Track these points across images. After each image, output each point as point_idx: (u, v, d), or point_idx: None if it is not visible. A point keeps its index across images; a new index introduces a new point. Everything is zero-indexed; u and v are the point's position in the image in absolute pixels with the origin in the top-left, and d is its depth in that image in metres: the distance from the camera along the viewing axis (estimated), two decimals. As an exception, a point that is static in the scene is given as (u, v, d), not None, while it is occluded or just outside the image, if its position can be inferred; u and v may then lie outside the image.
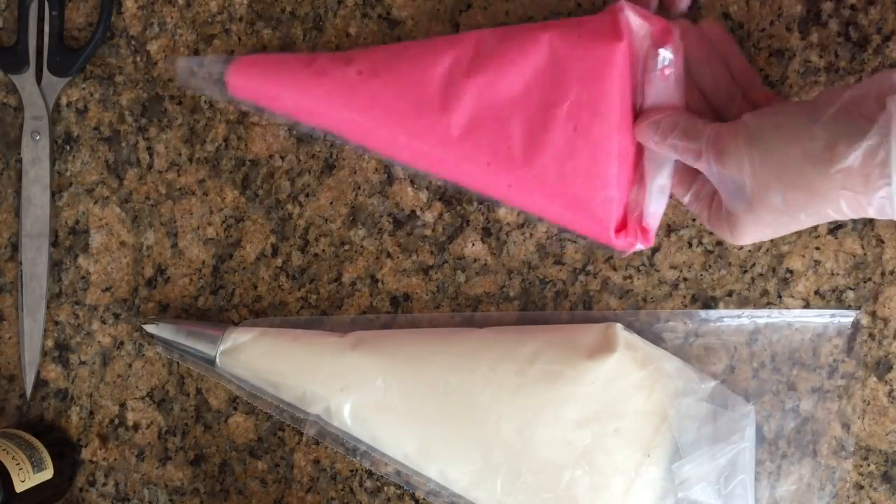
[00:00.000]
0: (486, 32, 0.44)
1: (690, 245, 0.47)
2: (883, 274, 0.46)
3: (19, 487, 0.46)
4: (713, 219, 0.42)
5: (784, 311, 0.47)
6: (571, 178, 0.43)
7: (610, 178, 0.42)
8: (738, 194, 0.38)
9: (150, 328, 0.49)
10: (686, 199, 0.44)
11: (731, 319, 0.47)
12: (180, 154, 0.51)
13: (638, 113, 0.43)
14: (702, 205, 0.43)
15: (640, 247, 0.44)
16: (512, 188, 0.44)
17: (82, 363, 0.52)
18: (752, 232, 0.40)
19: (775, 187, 0.37)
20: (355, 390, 0.46)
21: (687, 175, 0.43)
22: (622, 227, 0.44)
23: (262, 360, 0.48)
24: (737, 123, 0.38)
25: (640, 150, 0.43)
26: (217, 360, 0.48)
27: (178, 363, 0.51)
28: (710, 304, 0.47)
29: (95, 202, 0.51)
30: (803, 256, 0.46)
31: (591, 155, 0.42)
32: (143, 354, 0.51)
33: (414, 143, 0.44)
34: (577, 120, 0.42)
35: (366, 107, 0.44)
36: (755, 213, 0.38)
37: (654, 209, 0.43)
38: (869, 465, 0.47)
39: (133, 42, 0.51)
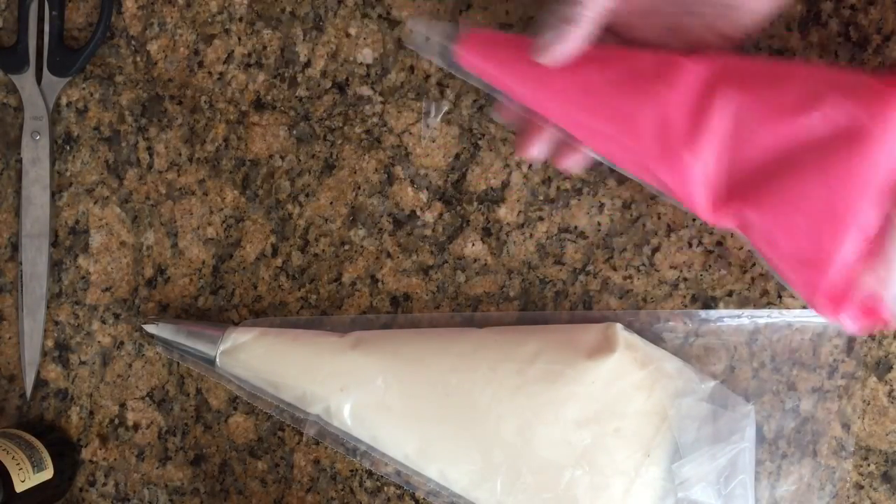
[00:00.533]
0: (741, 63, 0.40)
1: (690, 245, 0.47)
2: (883, 274, 0.46)
3: (19, 487, 0.46)
4: None
5: (784, 312, 0.47)
6: (799, 230, 0.39)
7: (843, 243, 0.38)
8: None
9: (150, 328, 0.49)
10: None
11: (730, 319, 0.47)
12: (180, 154, 0.51)
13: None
14: None
15: (868, 327, 0.41)
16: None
17: (82, 363, 0.52)
18: None
19: None
20: (355, 390, 0.46)
21: None
22: (840, 300, 0.40)
23: (262, 360, 0.48)
24: None
25: (885, 226, 0.38)
26: (217, 360, 0.48)
27: (178, 363, 0.51)
28: (710, 304, 0.47)
29: (95, 202, 0.51)
30: (803, 256, 0.46)
31: (827, 213, 0.38)
32: (143, 354, 0.51)
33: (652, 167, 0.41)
34: (828, 173, 0.38)
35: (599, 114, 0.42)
36: None
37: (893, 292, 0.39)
38: (869, 465, 0.47)
39: (133, 42, 0.51)
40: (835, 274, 0.39)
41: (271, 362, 0.48)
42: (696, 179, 0.40)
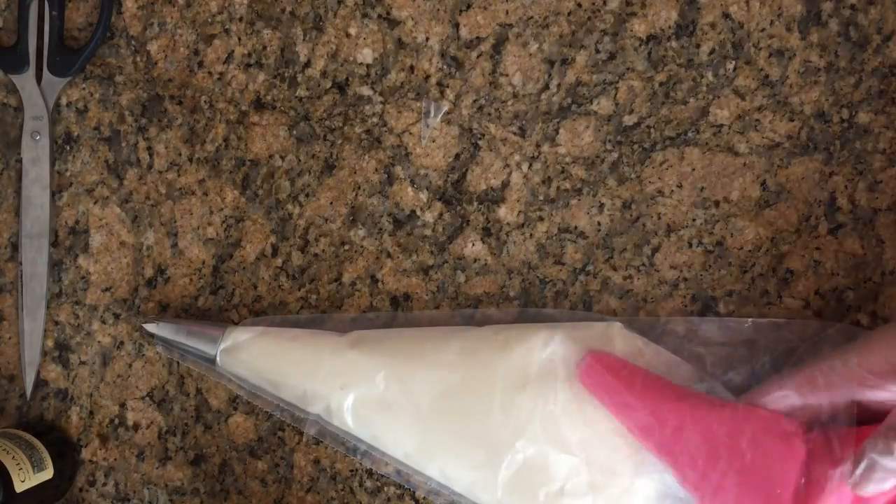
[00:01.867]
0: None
1: (690, 245, 0.47)
2: (883, 274, 0.46)
3: (19, 487, 0.46)
4: None
5: (784, 312, 0.47)
6: None
7: None
8: None
9: (150, 327, 0.49)
10: None
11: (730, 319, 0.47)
12: (180, 154, 0.51)
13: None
14: None
15: None
16: None
17: (82, 363, 0.52)
18: None
19: None
20: (355, 388, 0.46)
21: None
22: None
23: (262, 359, 0.48)
24: None
25: None
26: (217, 359, 0.48)
27: (178, 363, 0.51)
28: (710, 304, 0.47)
29: (95, 202, 0.51)
30: (803, 256, 0.46)
31: None
32: (143, 354, 0.51)
33: None
34: None
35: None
36: None
37: None
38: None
39: (133, 42, 0.51)
40: None
41: (271, 361, 0.48)
42: None
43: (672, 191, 0.47)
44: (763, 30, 0.46)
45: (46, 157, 0.51)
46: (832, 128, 0.46)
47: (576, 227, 0.48)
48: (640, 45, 0.47)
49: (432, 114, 0.48)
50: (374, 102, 0.49)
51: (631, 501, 0.44)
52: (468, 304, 0.49)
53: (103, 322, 0.52)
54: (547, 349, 0.45)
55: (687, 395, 0.43)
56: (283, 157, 0.50)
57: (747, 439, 0.41)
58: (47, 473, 0.49)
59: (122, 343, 0.52)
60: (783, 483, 0.40)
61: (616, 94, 0.47)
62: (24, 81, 0.51)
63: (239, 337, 0.48)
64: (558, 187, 0.48)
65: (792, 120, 0.46)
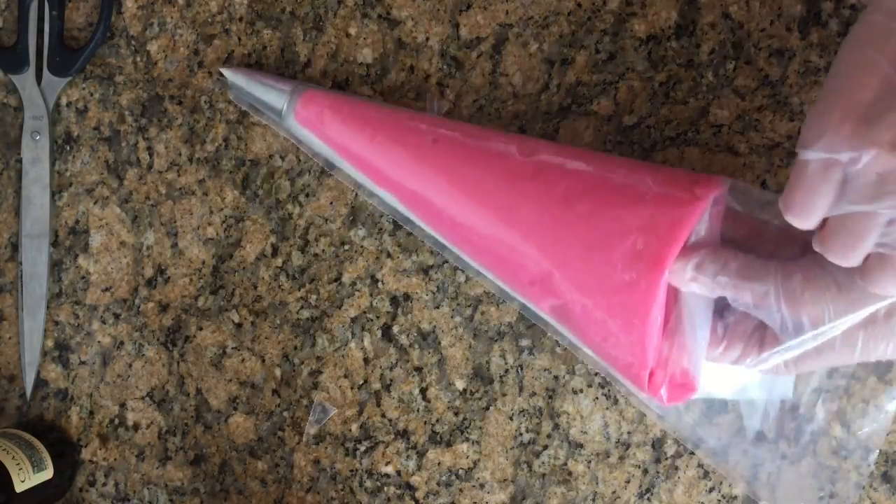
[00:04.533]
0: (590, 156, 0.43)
1: (690, 245, 0.47)
2: (883, 274, 0.46)
3: (19, 487, 0.46)
4: (766, 358, 0.39)
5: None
6: (615, 326, 0.41)
7: (650, 336, 0.40)
8: (801, 333, 0.37)
9: (225, 72, 0.49)
10: (724, 345, 0.40)
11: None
12: (180, 154, 0.51)
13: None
14: (752, 345, 0.40)
15: (686, 398, 0.42)
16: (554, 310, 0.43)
17: (82, 363, 0.52)
18: (814, 364, 0.38)
19: (858, 333, 0.36)
20: None
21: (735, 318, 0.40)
22: (657, 381, 0.42)
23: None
24: (814, 266, 0.36)
25: (669, 297, 0.40)
26: (284, 111, 0.48)
27: (178, 362, 0.51)
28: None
29: (95, 202, 0.51)
30: (803, 256, 0.46)
31: (636, 308, 0.40)
32: (143, 354, 0.51)
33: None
34: (634, 268, 0.39)
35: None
36: (820, 351, 0.37)
37: (696, 360, 0.40)
38: (869, 465, 0.47)
39: (133, 42, 0.51)
40: (651, 357, 0.40)
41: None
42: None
43: (672, 191, 0.47)
44: (763, 30, 0.46)
45: (46, 157, 0.51)
46: (832, 128, 0.46)
47: (576, 227, 0.48)
48: (640, 45, 0.47)
49: (434, 111, 0.48)
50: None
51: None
52: (468, 303, 0.49)
53: (103, 322, 0.52)
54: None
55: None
56: (283, 157, 0.50)
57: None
58: (47, 473, 0.49)
59: (122, 343, 0.52)
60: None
61: (616, 94, 0.47)
62: (24, 81, 0.51)
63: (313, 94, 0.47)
64: (558, 187, 0.48)
65: (792, 120, 0.46)
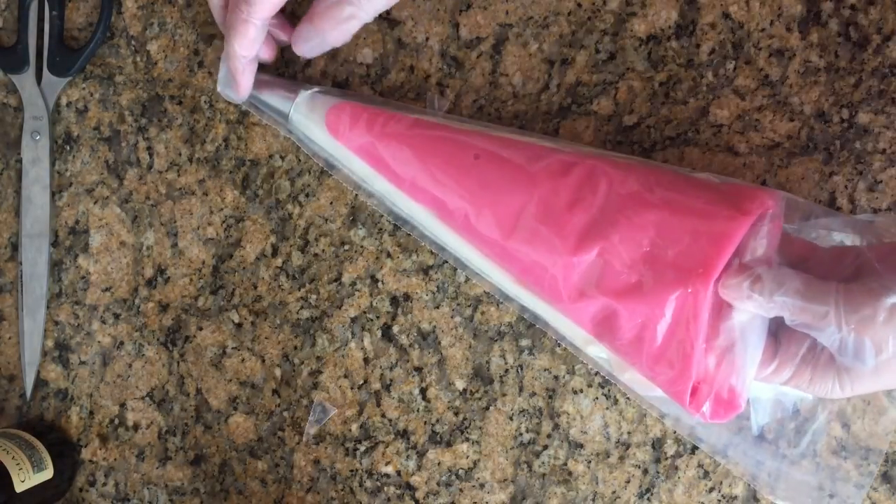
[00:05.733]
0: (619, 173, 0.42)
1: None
2: (883, 274, 0.46)
3: (19, 487, 0.46)
4: (818, 378, 0.39)
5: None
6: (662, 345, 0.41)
7: (695, 348, 0.40)
8: (861, 354, 0.36)
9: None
10: (775, 365, 0.40)
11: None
12: (180, 154, 0.51)
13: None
14: (805, 366, 0.39)
15: (731, 416, 0.41)
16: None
17: (82, 363, 0.52)
18: (871, 386, 0.38)
19: None
20: None
21: (784, 338, 0.40)
22: (701, 396, 0.41)
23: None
24: (871, 283, 0.36)
25: (722, 314, 0.40)
26: (291, 114, 0.48)
27: (178, 362, 0.51)
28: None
29: (95, 202, 0.51)
30: (803, 256, 0.46)
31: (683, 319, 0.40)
32: (144, 354, 0.51)
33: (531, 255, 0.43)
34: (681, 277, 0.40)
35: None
36: (879, 372, 0.37)
37: (744, 379, 0.40)
38: (869, 464, 0.47)
39: (133, 42, 0.51)
40: (695, 371, 0.40)
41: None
42: (568, 264, 0.42)
43: (672, 191, 0.47)
44: (763, 30, 0.46)
45: (46, 157, 0.51)
46: (832, 128, 0.46)
47: (576, 227, 0.48)
48: (640, 45, 0.47)
49: (436, 108, 0.48)
50: (374, 102, 0.49)
51: None
52: (468, 303, 0.49)
53: (103, 322, 0.52)
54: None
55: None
56: (283, 157, 0.50)
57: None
58: (47, 473, 0.49)
59: (122, 343, 0.52)
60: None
61: (616, 94, 0.47)
62: (24, 81, 0.51)
63: (316, 96, 0.47)
64: (558, 187, 0.48)
65: (792, 120, 0.46)
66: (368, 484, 0.50)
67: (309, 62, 0.49)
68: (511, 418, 0.49)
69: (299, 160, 0.50)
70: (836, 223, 0.41)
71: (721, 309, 0.39)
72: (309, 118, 0.47)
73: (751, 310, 0.38)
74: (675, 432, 0.48)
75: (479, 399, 0.49)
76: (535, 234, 0.42)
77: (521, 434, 0.49)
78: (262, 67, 0.49)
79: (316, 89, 0.48)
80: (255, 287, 0.51)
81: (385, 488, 0.50)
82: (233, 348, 0.51)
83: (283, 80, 0.49)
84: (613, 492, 0.48)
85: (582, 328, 0.43)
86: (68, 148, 0.51)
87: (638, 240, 0.40)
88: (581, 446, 0.48)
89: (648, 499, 0.48)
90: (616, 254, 0.41)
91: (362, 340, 0.50)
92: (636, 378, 0.44)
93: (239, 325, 0.51)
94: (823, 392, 0.39)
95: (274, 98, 0.48)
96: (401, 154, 0.45)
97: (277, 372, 0.51)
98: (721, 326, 0.39)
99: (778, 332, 0.40)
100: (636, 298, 0.40)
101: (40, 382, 0.52)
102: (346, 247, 0.50)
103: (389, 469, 0.49)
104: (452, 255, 0.47)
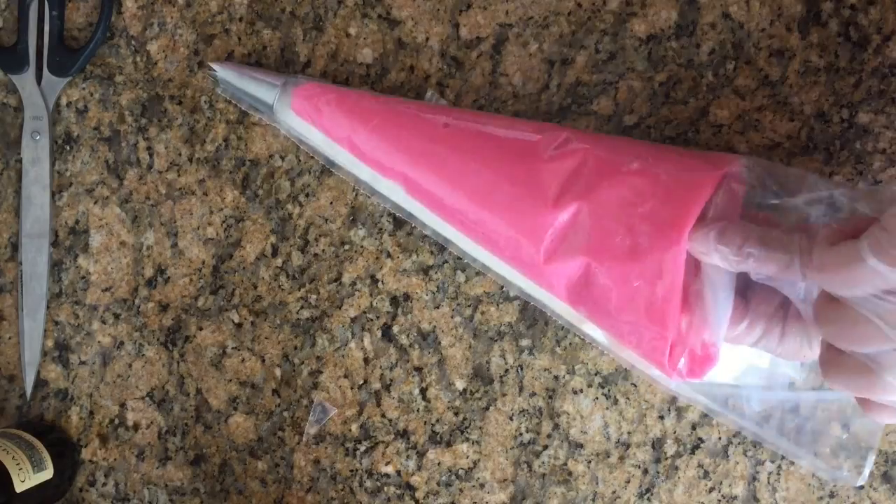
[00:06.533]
0: (593, 148, 0.43)
1: (690, 245, 0.47)
2: (883, 274, 0.46)
3: (19, 487, 0.46)
4: (789, 337, 0.39)
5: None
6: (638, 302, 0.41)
7: (672, 305, 0.40)
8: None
9: (214, 65, 0.49)
10: (746, 323, 0.40)
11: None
12: (180, 154, 0.51)
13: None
14: (775, 324, 0.39)
15: (707, 370, 0.42)
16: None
17: (82, 363, 0.52)
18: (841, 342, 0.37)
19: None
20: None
21: (752, 296, 0.40)
22: (677, 355, 0.42)
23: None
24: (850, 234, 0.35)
25: (689, 271, 0.40)
26: (275, 106, 0.48)
27: (178, 362, 0.51)
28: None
29: (95, 202, 0.51)
30: (803, 256, 0.46)
31: (656, 277, 0.40)
32: (143, 354, 0.51)
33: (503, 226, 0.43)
34: (652, 234, 0.40)
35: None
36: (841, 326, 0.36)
37: (717, 332, 0.40)
38: (868, 464, 0.47)
39: (133, 42, 0.51)
40: (672, 329, 0.40)
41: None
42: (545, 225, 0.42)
43: (672, 191, 0.47)
44: (763, 30, 0.46)
45: (46, 157, 0.51)
46: (832, 128, 0.46)
47: (576, 227, 0.48)
48: (640, 45, 0.47)
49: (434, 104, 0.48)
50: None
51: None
52: (468, 303, 0.49)
53: (103, 322, 0.52)
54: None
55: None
56: (283, 157, 0.50)
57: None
58: (47, 473, 0.49)
59: (122, 343, 0.52)
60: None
61: (616, 94, 0.47)
62: (24, 81, 0.51)
63: (289, 82, 0.47)
64: (558, 187, 0.48)
65: (792, 120, 0.46)
66: (368, 484, 0.50)
67: (309, 62, 0.49)
68: (511, 418, 0.49)
69: (299, 160, 0.50)
70: (835, 194, 0.41)
71: (690, 266, 0.40)
72: (283, 103, 0.47)
73: (718, 263, 0.38)
74: (675, 432, 0.48)
75: (479, 399, 0.49)
76: (510, 198, 0.43)
77: (521, 434, 0.49)
78: (260, 65, 0.49)
79: (308, 80, 0.48)
80: (255, 287, 0.51)
81: (385, 488, 0.50)
82: (233, 348, 0.51)
83: (270, 72, 0.49)
84: (613, 492, 0.48)
85: (555, 294, 0.44)
86: (68, 148, 0.51)
87: (613, 199, 0.41)
88: (581, 446, 0.48)
89: (648, 499, 0.48)
90: (591, 213, 0.41)
91: (362, 340, 0.50)
92: (634, 356, 0.44)
93: (239, 325, 0.51)
94: (794, 353, 0.39)
95: (260, 90, 0.48)
96: (368, 131, 0.45)
97: (277, 372, 0.51)
98: (691, 282, 0.40)
99: (748, 293, 0.40)
100: (611, 257, 0.41)
101: (40, 382, 0.52)
102: (346, 247, 0.50)
103: (389, 469, 0.49)
104: (457, 246, 0.47)
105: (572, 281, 0.42)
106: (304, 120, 0.47)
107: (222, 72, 0.48)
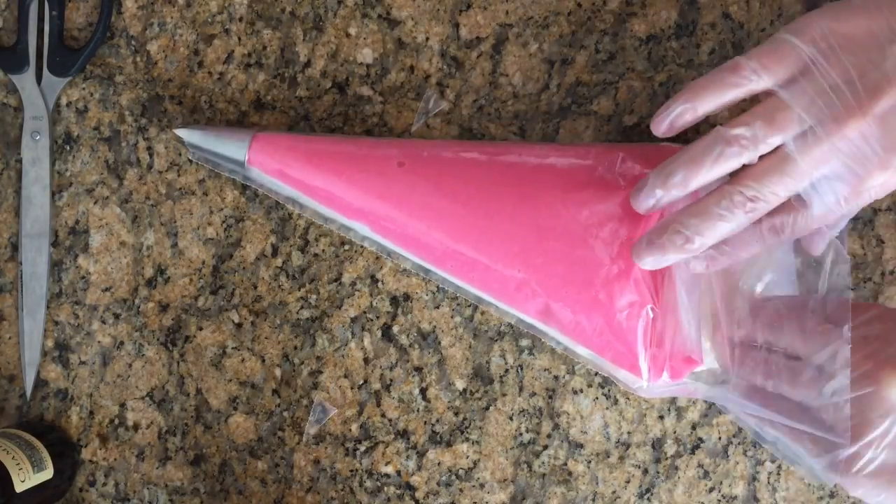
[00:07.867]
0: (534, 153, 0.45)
1: (690, 245, 0.47)
2: (883, 274, 0.46)
3: (19, 487, 0.46)
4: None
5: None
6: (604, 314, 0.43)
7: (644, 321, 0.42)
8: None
9: (180, 132, 0.48)
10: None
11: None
12: (180, 154, 0.51)
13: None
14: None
15: (686, 373, 0.43)
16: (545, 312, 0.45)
17: (82, 363, 0.52)
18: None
19: None
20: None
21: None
22: (660, 365, 0.43)
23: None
24: None
25: (650, 281, 0.42)
26: (246, 162, 0.47)
27: (178, 362, 0.51)
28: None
29: (95, 202, 0.51)
30: (803, 256, 0.46)
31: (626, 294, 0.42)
32: (143, 354, 0.51)
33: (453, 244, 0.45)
34: (619, 255, 0.42)
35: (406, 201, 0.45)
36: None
37: (692, 337, 0.41)
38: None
39: (133, 42, 0.51)
40: (644, 343, 0.43)
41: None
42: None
43: (672, 191, 0.47)
44: (763, 30, 0.46)
45: (46, 157, 0.51)
46: (832, 128, 0.46)
47: (576, 227, 0.48)
48: (640, 45, 0.47)
49: (431, 104, 0.48)
50: (374, 102, 0.49)
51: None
52: (468, 303, 0.49)
53: (103, 322, 0.52)
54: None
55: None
56: (283, 157, 0.50)
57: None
58: (47, 473, 0.49)
59: (122, 343, 0.52)
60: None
61: (616, 94, 0.47)
62: (24, 81, 0.51)
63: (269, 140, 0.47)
64: (558, 187, 0.48)
65: (792, 120, 0.46)
66: (368, 484, 0.50)
67: (309, 62, 0.49)
68: (511, 418, 0.49)
69: (299, 160, 0.50)
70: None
71: (654, 276, 0.42)
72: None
73: (678, 258, 0.40)
74: (675, 432, 0.48)
75: (479, 399, 0.49)
76: (479, 230, 0.44)
77: (521, 434, 0.49)
78: (259, 65, 0.49)
79: (263, 133, 0.48)
80: (255, 287, 0.51)
81: (385, 488, 0.50)
82: (233, 348, 0.51)
83: (237, 129, 0.48)
84: (613, 492, 0.48)
85: (528, 316, 0.46)
86: (68, 148, 0.51)
87: (568, 229, 0.43)
88: (581, 446, 0.48)
89: (648, 499, 0.48)
90: (547, 246, 0.43)
91: (362, 340, 0.50)
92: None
93: (239, 325, 0.51)
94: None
95: (229, 149, 0.48)
96: (326, 176, 0.46)
97: (277, 372, 0.51)
98: (658, 291, 0.42)
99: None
100: (577, 287, 0.43)
101: (40, 382, 0.52)
102: (346, 247, 0.50)
103: (389, 469, 0.49)
104: (439, 276, 0.47)
105: (542, 310, 0.45)
106: (263, 172, 0.47)
107: (188, 136, 0.48)
